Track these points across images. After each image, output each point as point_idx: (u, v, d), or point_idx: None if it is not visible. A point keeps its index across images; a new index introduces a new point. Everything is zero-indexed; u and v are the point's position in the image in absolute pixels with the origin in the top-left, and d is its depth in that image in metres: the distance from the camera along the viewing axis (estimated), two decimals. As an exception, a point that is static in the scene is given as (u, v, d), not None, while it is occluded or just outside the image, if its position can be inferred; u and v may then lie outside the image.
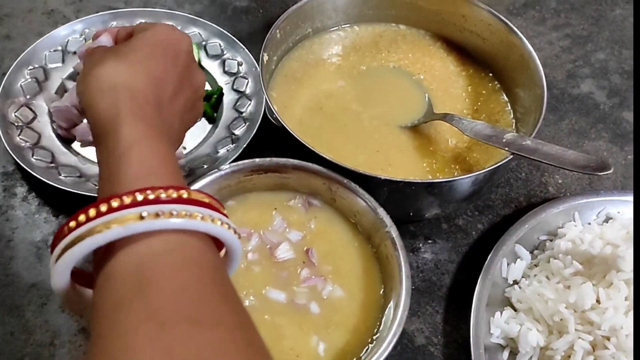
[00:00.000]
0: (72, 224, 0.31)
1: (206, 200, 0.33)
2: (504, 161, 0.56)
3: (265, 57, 0.63)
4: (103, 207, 0.30)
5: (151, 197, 0.31)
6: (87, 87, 0.39)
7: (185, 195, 0.32)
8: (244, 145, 0.62)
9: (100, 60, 0.40)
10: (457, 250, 0.61)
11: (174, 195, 0.32)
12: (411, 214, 0.61)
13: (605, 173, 0.48)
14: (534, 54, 0.63)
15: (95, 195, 0.57)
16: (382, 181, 0.54)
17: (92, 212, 0.30)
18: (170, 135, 0.41)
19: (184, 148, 0.65)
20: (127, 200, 0.30)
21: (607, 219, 0.61)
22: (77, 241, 0.30)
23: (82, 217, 0.31)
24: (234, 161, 0.60)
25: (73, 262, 0.31)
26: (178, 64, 0.44)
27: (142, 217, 0.30)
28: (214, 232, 0.33)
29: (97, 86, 0.39)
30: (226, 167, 0.54)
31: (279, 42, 0.67)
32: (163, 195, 0.31)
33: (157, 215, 0.30)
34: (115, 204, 0.30)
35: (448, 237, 0.62)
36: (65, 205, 0.60)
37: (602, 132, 0.72)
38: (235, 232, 0.34)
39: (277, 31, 0.65)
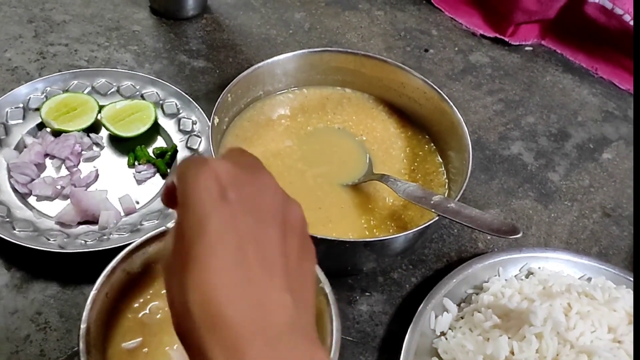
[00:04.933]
0: None
1: None
2: (431, 221, 0.61)
3: (216, 120, 0.68)
4: None
5: None
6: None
7: None
8: (194, 202, 0.66)
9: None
10: (391, 302, 0.65)
11: None
12: (349, 268, 0.65)
13: (514, 237, 0.54)
14: (462, 121, 0.70)
15: (47, 249, 0.60)
16: (318, 239, 0.58)
17: None
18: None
19: (137, 202, 0.68)
20: None
21: (529, 274, 0.67)
22: None
23: None
24: (183, 217, 0.64)
25: None
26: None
27: None
28: None
29: None
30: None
31: (230, 104, 0.72)
32: None
33: None
34: None
35: (383, 290, 0.66)
36: (18, 258, 0.62)
37: (529, 192, 0.78)
38: None
39: (229, 95, 0.70)
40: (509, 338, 0.56)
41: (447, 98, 0.72)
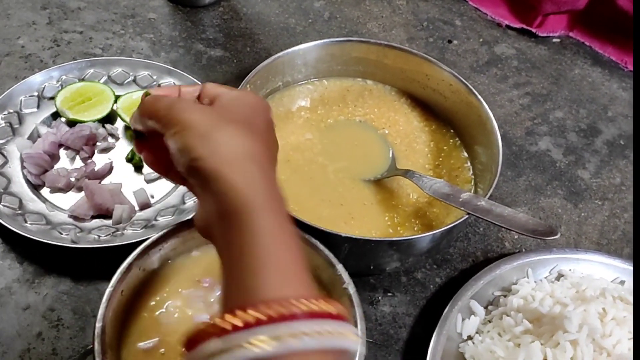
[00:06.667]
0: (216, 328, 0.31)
1: (334, 311, 0.33)
2: (460, 220, 0.58)
3: (235, 111, 0.65)
4: (248, 317, 0.31)
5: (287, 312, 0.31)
6: (216, 154, 0.36)
7: (316, 308, 0.32)
8: (211, 196, 0.64)
9: (218, 124, 0.38)
10: (415, 303, 0.63)
11: (307, 307, 0.32)
12: (372, 267, 0.63)
13: (551, 238, 0.51)
14: (491, 115, 0.67)
15: (60, 244, 0.58)
16: (343, 238, 0.56)
17: (234, 322, 0.31)
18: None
19: (152, 197, 0.66)
20: (269, 311, 0.31)
21: (559, 276, 0.64)
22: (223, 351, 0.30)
23: (227, 326, 0.31)
24: (200, 211, 0.61)
25: None
26: (272, 132, 0.43)
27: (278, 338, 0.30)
28: (346, 347, 0.32)
29: (229, 156, 0.36)
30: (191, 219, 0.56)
31: (250, 95, 0.69)
32: (297, 310, 0.31)
33: (293, 335, 0.30)
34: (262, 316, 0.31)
35: (407, 290, 0.64)
36: (31, 252, 0.60)
37: (558, 189, 0.75)
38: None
39: (248, 86, 0.68)
40: (541, 344, 0.53)
41: (475, 91, 0.69)
